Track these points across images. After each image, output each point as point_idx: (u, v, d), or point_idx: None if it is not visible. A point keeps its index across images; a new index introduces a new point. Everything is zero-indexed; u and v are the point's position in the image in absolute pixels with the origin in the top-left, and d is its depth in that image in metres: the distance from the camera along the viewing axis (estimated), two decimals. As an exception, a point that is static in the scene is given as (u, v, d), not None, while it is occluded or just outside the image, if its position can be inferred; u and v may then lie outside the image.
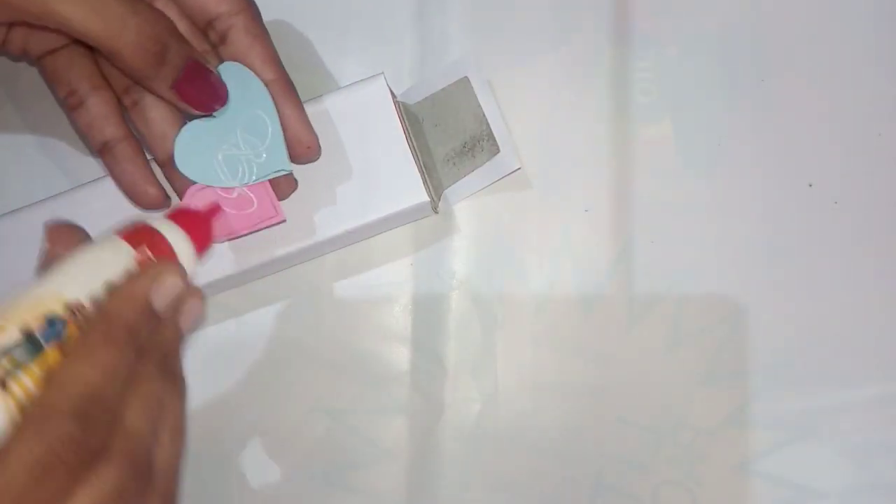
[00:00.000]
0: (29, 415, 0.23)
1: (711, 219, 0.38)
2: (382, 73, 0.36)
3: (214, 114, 0.34)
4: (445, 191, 0.38)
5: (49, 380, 0.24)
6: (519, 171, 0.37)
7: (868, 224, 0.38)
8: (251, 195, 0.34)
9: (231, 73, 0.33)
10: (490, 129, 0.37)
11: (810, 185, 0.38)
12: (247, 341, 0.39)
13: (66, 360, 0.24)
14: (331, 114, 0.36)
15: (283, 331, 0.39)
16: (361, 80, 0.37)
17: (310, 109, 0.35)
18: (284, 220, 0.35)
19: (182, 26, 0.33)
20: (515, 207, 0.39)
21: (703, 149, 0.38)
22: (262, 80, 0.34)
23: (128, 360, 0.25)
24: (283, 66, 0.34)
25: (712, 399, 0.38)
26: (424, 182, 0.36)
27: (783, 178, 0.38)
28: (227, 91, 0.33)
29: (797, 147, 0.38)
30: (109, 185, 0.36)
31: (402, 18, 0.39)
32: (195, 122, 0.34)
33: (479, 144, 0.37)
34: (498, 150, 0.37)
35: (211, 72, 0.33)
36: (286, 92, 0.34)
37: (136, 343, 0.25)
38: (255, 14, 0.34)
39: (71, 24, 0.28)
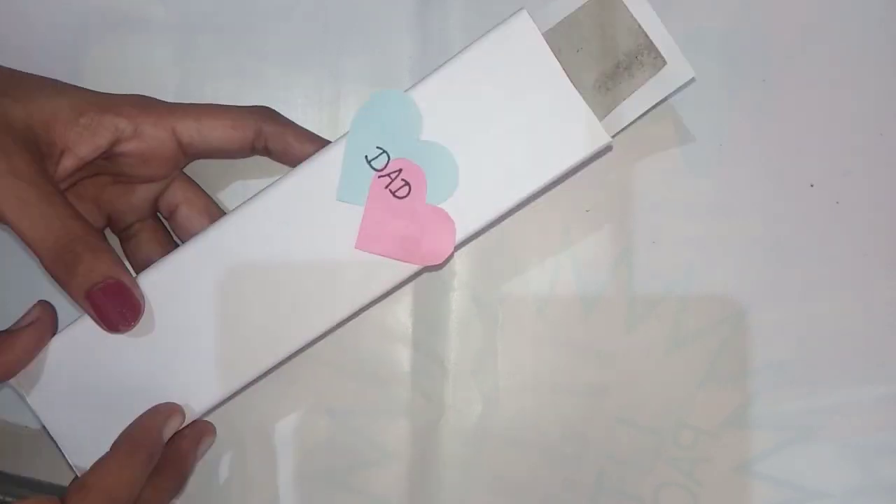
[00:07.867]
0: None
1: (712, 219, 0.38)
2: (524, 7, 0.33)
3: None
4: (602, 121, 0.34)
5: (82, 486, 0.29)
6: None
7: (869, 224, 0.38)
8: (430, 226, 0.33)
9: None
10: (649, 40, 0.33)
11: (812, 186, 0.38)
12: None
13: (97, 470, 0.30)
14: (475, 70, 0.33)
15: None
16: (500, 24, 0.33)
17: (450, 70, 0.33)
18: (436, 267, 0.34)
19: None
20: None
21: (705, 149, 0.38)
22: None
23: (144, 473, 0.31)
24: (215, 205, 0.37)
25: (713, 399, 0.38)
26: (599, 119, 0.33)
27: (785, 178, 0.38)
28: (142, 308, 0.32)
29: (799, 147, 0.38)
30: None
31: (402, 18, 0.39)
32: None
33: (636, 60, 0.33)
34: (664, 62, 0.33)
35: (130, 291, 0.32)
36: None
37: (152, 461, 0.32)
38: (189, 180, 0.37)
39: (11, 226, 0.30)
